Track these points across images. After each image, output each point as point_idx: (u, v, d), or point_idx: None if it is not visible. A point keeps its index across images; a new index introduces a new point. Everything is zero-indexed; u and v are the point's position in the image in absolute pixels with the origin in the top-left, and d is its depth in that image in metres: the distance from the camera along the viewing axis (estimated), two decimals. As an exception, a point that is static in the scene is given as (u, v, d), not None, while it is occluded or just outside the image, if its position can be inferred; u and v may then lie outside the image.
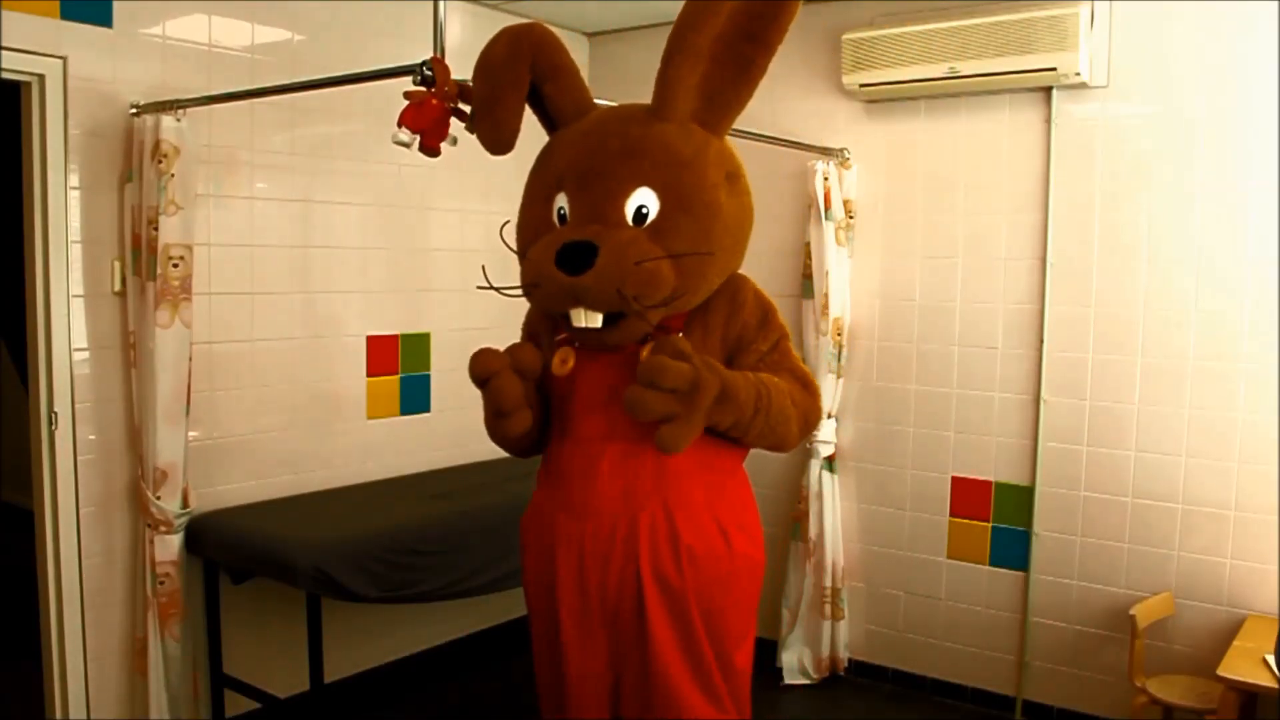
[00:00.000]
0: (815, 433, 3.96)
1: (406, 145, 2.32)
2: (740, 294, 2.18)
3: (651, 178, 2.02)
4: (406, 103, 2.33)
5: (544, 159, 2.22)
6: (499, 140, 2.13)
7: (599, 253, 1.94)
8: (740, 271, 2.24)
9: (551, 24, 4.33)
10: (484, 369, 2.10)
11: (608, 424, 2.12)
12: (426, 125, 2.30)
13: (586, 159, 2.09)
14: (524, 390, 2.14)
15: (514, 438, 2.22)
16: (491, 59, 2.11)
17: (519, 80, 2.10)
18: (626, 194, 2.02)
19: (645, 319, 2.03)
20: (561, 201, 2.10)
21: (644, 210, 2.02)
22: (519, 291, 2.11)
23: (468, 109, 2.37)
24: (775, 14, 1.96)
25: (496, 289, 2.16)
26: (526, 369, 2.13)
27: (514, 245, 2.22)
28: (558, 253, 1.98)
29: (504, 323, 4.23)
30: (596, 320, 2.01)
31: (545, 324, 2.30)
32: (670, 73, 2.04)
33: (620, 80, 4.35)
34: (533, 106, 2.24)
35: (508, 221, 2.28)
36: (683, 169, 2.03)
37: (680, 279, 2.01)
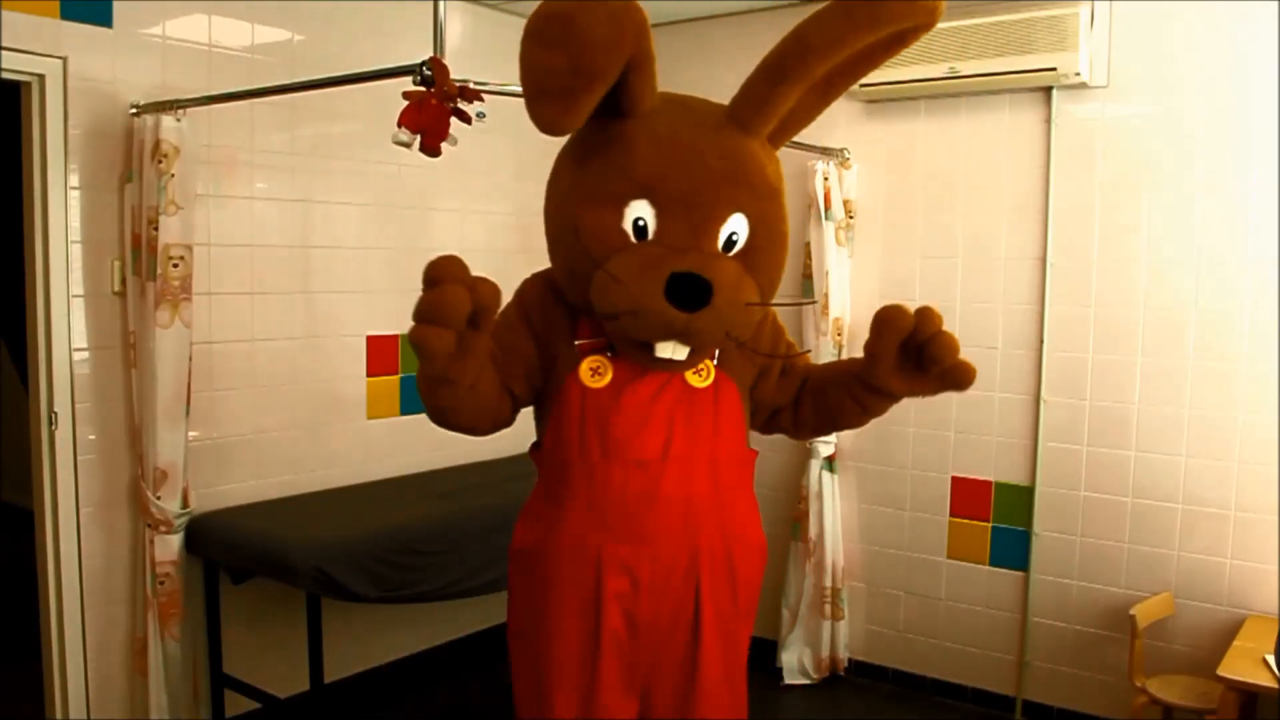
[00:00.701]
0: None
1: (407, 145, 2.32)
2: (769, 314, 2.14)
3: (748, 206, 1.91)
4: (406, 103, 2.33)
5: (616, 153, 1.90)
6: (566, 126, 1.85)
7: (716, 291, 1.79)
8: None
9: (551, 24, 4.36)
10: (443, 272, 1.74)
11: (663, 443, 1.98)
12: (426, 125, 2.30)
13: (685, 175, 1.87)
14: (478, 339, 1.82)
15: (465, 389, 1.88)
16: (589, 38, 1.73)
17: (613, 69, 1.77)
18: (724, 220, 1.89)
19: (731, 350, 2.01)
20: (642, 212, 1.87)
21: (734, 238, 1.91)
22: (614, 318, 1.88)
23: (468, 108, 2.37)
24: (883, 55, 1.89)
25: (609, 317, 1.88)
26: (487, 304, 1.75)
27: (569, 241, 1.95)
28: (668, 284, 1.78)
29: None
30: (683, 353, 1.90)
31: (561, 318, 2.03)
32: (779, 92, 1.86)
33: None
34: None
35: (554, 209, 2.01)
36: (773, 200, 1.95)
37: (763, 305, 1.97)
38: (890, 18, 1.78)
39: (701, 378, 2.02)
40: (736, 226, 1.90)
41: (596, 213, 1.89)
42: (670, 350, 1.87)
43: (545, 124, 1.83)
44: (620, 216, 1.88)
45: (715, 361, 2.05)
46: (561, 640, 2.03)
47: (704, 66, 3.69)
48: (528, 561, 2.09)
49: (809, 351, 2.05)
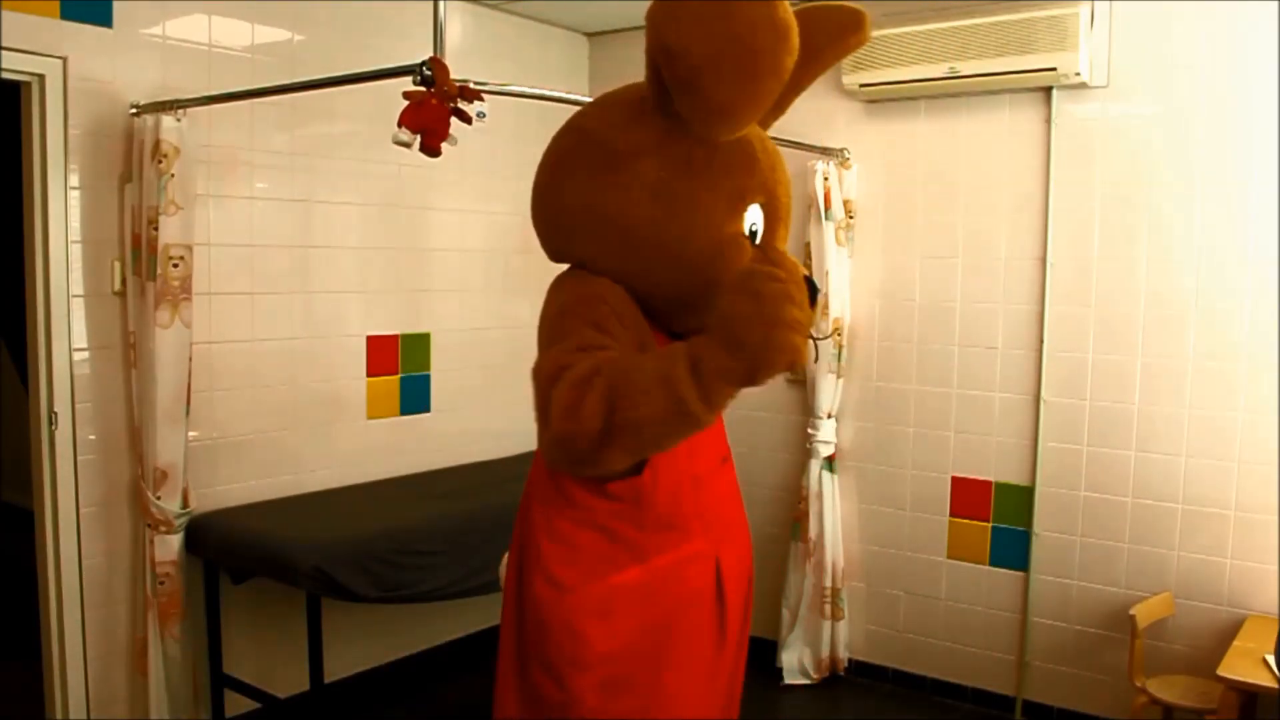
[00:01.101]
0: (814, 431, 3.97)
1: (407, 145, 2.32)
2: None
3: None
4: (406, 103, 2.33)
5: (743, 156, 1.83)
6: (778, 110, 1.99)
7: (818, 293, 1.65)
8: None
9: (552, 24, 4.37)
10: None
11: (714, 443, 1.98)
12: (426, 125, 2.30)
13: (781, 180, 1.91)
14: None
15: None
16: (789, 32, 1.61)
17: (783, 77, 1.66)
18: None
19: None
20: (757, 218, 1.84)
21: (754, 229, 1.85)
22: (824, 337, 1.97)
23: (468, 108, 2.37)
24: (847, 53, 2.01)
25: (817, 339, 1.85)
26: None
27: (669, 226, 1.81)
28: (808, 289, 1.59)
29: (503, 323, 4.27)
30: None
31: (646, 326, 1.84)
32: (787, 99, 1.98)
33: (620, 80, 4.33)
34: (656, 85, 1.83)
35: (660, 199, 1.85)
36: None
37: None
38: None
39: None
40: (755, 218, 1.88)
41: (715, 211, 1.80)
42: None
43: (746, 115, 1.71)
44: (741, 221, 1.82)
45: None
46: (685, 670, 1.89)
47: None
48: (630, 602, 1.85)
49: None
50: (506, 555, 2.00)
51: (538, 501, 1.91)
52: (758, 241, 1.84)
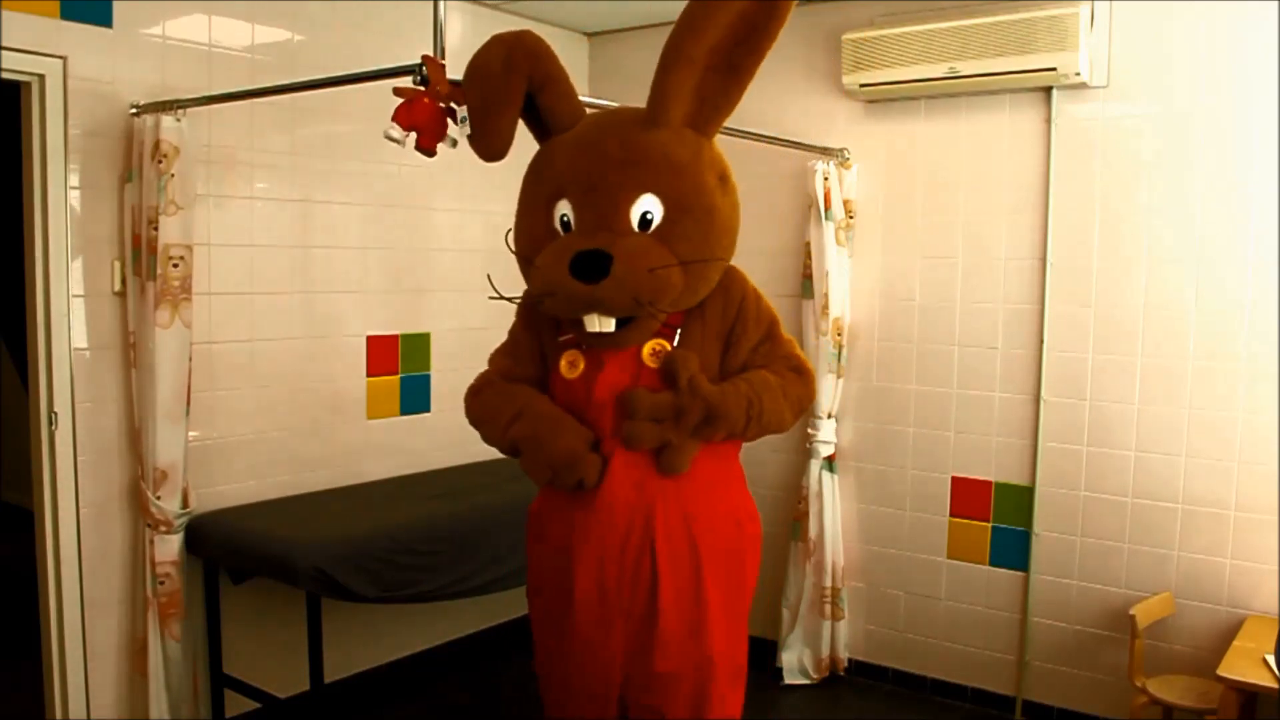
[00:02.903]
0: (814, 431, 3.97)
1: (399, 142, 2.32)
2: (732, 288, 2.24)
3: (654, 184, 2.08)
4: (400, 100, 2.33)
5: (541, 165, 2.23)
6: (494, 150, 2.18)
7: (614, 261, 1.99)
8: (731, 264, 2.29)
9: (551, 24, 4.37)
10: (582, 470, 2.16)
11: (614, 420, 2.16)
12: (418, 124, 2.30)
13: (588, 167, 2.12)
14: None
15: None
16: (486, 70, 2.13)
17: (515, 92, 2.13)
18: (631, 201, 2.07)
19: (656, 319, 2.10)
20: (564, 209, 2.13)
21: (649, 216, 2.08)
22: (530, 299, 2.16)
23: (460, 110, 2.38)
24: (768, 22, 2.01)
25: (507, 298, 2.19)
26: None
27: (515, 250, 2.25)
28: (571, 262, 2.02)
29: (504, 323, 4.26)
30: (610, 325, 2.07)
31: (548, 323, 2.31)
32: (668, 81, 2.08)
33: (620, 80, 4.35)
34: (523, 115, 2.23)
35: (510, 230, 2.30)
36: (682, 175, 2.09)
37: (689, 280, 2.09)
38: None
39: (656, 359, 2.16)
40: (648, 205, 2.08)
41: (529, 219, 2.21)
42: (596, 323, 2.06)
43: (480, 152, 2.19)
44: (550, 218, 2.15)
45: (675, 343, 2.17)
46: (545, 599, 2.33)
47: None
48: (530, 530, 2.39)
49: (673, 349, 2.20)
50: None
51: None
52: (569, 229, 2.12)
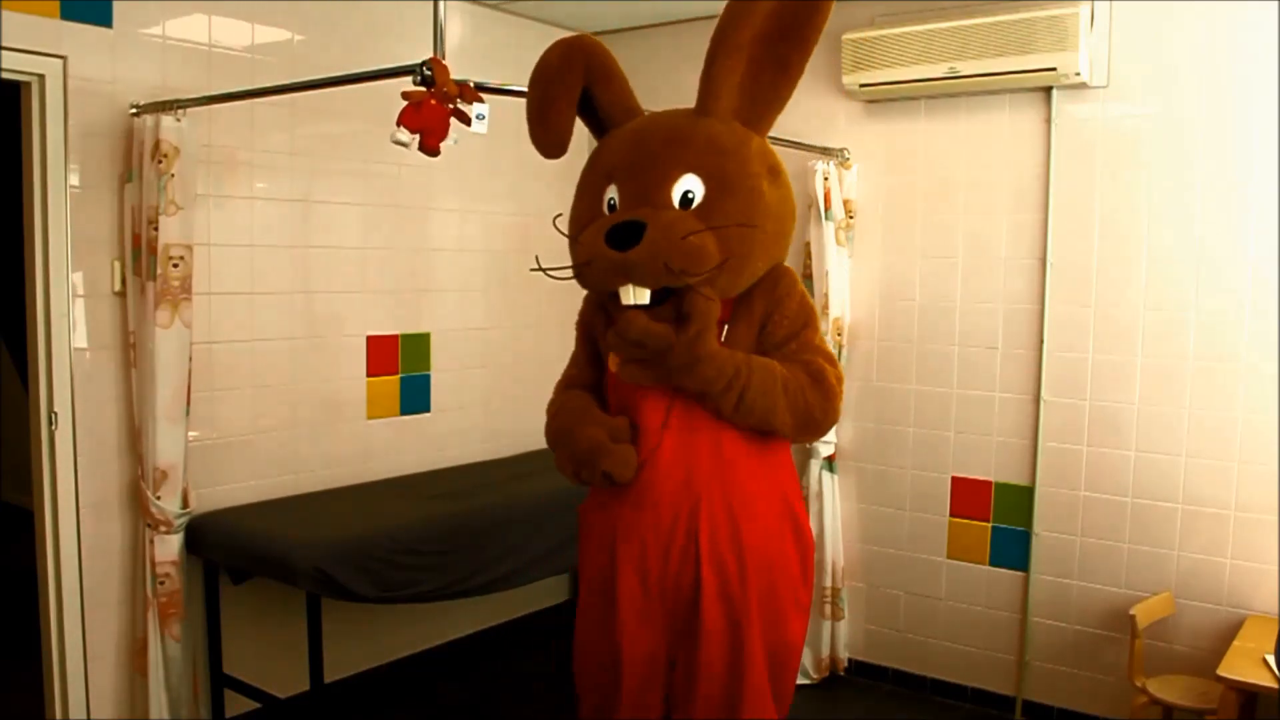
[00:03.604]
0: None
1: (406, 145, 2.33)
2: (780, 284, 2.24)
3: (696, 164, 2.09)
4: (405, 103, 2.33)
5: (596, 157, 2.29)
6: (554, 144, 2.25)
7: (646, 229, 2.02)
8: (786, 264, 2.30)
9: (552, 24, 4.36)
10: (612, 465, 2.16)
11: (664, 414, 2.18)
12: (425, 125, 2.30)
13: (634, 151, 2.17)
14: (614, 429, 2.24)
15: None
16: (546, 66, 2.23)
17: (572, 86, 2.22)
18: (673, 180, 2.09)
19: (699, 292, 2.07)
20: (611, 193, 2.18)
21: (690, 195, 2.09)
22: (569, 274, 2.17)
23: (467, 109, 2.38)
24: (810, 13, 2.04)
25: (548, 271, 2.20)
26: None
27: (566, 233, 2.27)
28: (608, 232, 2.06)
29: (504, 323, 4.27)
30: (644, 296, 2.06)
31: (600, 320, 2.31)
32: (714, 70, 2.11)
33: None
34: (581, 114, 2.30)
35: (560, 214, 2.34)
36: (726, 157, 2.10)
37: (724, 251, 2.07)
38: None
39: None
40: (690, 185, 2.09)
41: (583, 202, 2.26)
42: (631, 295, 2.07)
43: (540, 146, 2.27)
44: (600, 203, 2.20)
45: (723, 339, 2.16)
46: (591, 589, 2.34)
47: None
48: (580, 522, 2.41)
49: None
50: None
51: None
52: (614, 211, 2.16)
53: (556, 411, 2.34)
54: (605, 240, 2.04)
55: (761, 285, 2.21)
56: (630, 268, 2.03)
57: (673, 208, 2.08)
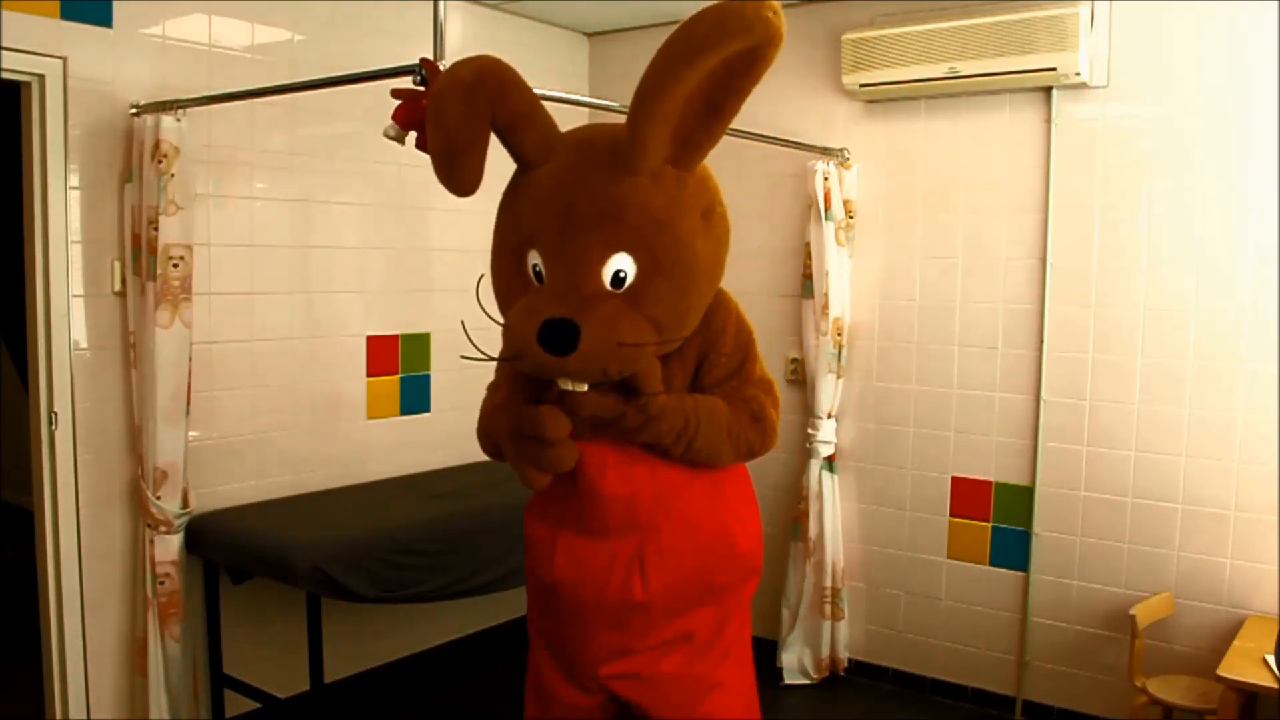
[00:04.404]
0: (814, 431, 3.96)
1: (398, 140, 2.32)
2: (714, 319, 2.16)
3: (628, 243, 1.95)
4: (398, 101, 2.33)
5: (512, 205, 2.10)
6: (463, 189, 2.05)
7: (581, 335, 1.90)
8: (721, 287, 2.20)
9: (551, 24, 4.37)
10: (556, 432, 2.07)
11: (608, 438, 2.13)
12: (417, 123, 2.30)
13: (559, 222, 1.98)
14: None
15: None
16: (446, 117, 1.97)
17: (479, 136, 1.99)
18: (603, 261, 1.95)
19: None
20: (535, 259, 2.02)
21: (621, 275, 1.96)
22: (503, 358, 2.10)
23: None
24: (752, 65, 1.84)
25: (481, 358, 2.11)
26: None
27: (485, 303, 2.16)
28: (539, 331, 1.92)
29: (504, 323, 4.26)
30: (583, 386, 2.01)
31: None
32: (641, 132, 1.91)
33: (620, 80, 4.34)
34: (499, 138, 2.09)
35: (483, 275, 2.18)
36: (659, 230, 1.96)
37: (662, 335, 2.00)
38: (727, 38, 1.77)
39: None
40: (621, 264, 1.96)
41: (501, 263, 2.10)
42: (569, 384, 2.00)
43: (449, 188, 2.06)
44: (522, 264, 2.05)
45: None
46: (533, 596, 2.33)
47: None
48: (525, 530, 2.36)
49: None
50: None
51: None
52: (541, 280, 2.02)
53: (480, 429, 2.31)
54: (538, 339, 1.92)
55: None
56: (566, 372, 1.96)
57: (604, 291, 1.96)
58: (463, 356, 2.17)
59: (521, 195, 2.07)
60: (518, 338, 1.96)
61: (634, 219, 1.95)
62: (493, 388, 2.37)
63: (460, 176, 2.02)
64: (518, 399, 2.19)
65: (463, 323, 2.15)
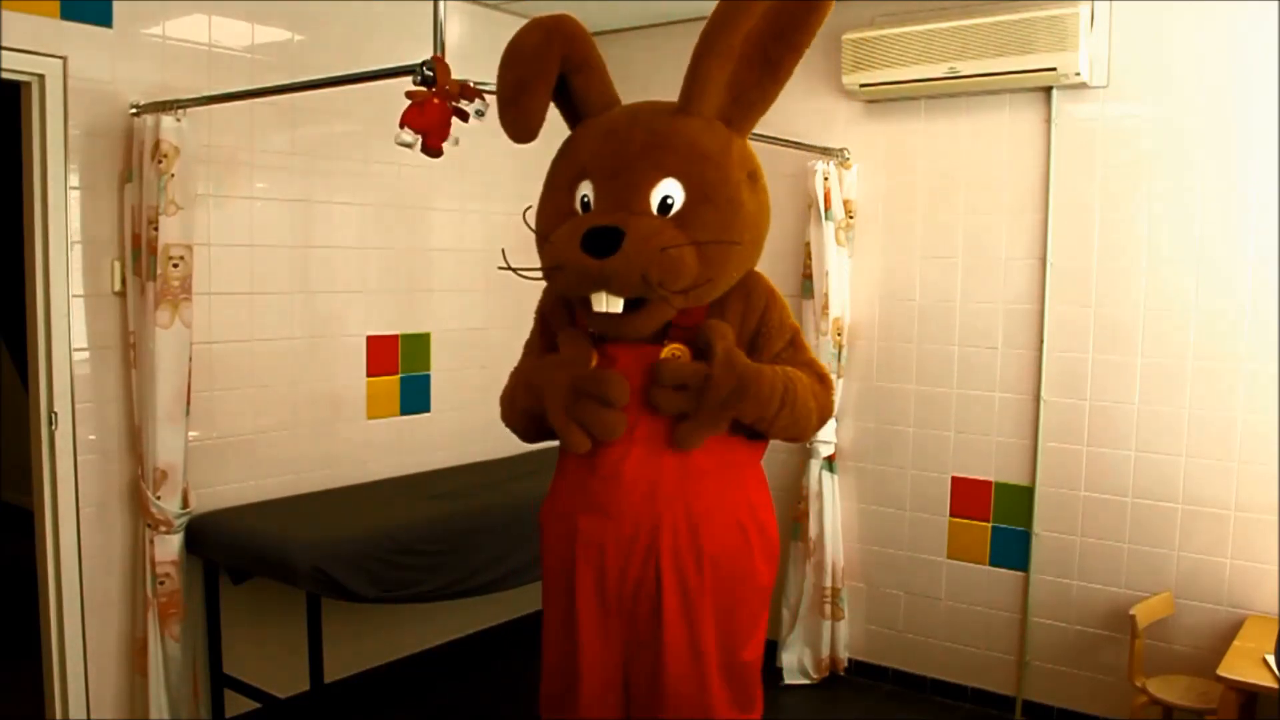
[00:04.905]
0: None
1: (410, 146, 2.32)
2: (755, 291, 2.20)
3: (677, 169, 2.02)
4: (408, 103, 2.33)
5: (568, 149, 2.21)
6: (525, 128, 2.13)
7: (625, 237, 1.95)
8: (755, 269, 2.26)
9: (551, 24, 4.36)
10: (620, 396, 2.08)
11: (630, 424, 2.11)
12: (429, 125, 2.30)
13: (613, 150, 2.08)
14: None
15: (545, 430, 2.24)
16: (523, 47, 2.12)
17: (549, 70, 2.11)
18: (652, 184, 2.02)
19: (669, 304, 2.04)
20: (586, 190, 2.10)
21: (669, 200, 2.03)
22: (539, 274, 2.12)
23: (468, 108, 2.37)
24: (805, 16, 1.98)
25: (516, 270, 2.15)
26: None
27: (534, 228, 2.21)
28: (583, 237, 1.98)
29: (503, 323, 4.27)
30: (618, 305, 2.01)
31: (562, 316, 2.27)
32: (701, 69, 2.04)
33: (620, 80, 4.31)
34: (556, 99, 2.20)
35: (530, 206, 2.24)
36: (707, 163, 2.04)
37: (703, 267, 2.03)
38: None
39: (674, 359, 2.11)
40: (669, 190, 2.03)
41: (551, 198, 2.18)
42: (604, 303, 2.01)
43: (511, 131, 2.14)
44: (572, 199, 2.12)
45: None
46: (550, 594, 2.30)
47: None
48: (540, 526, 2.34)
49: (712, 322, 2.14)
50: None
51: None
52: (589, 210, 2.09)
53: (519, 384, 2.27)
54: (581, 245, 1.97)
55: (735, 292, 2.17)
56: (607, 277, 1.96)
57: (651, 213, 2.02)
58: (500, 268, 2.22)
59: (580, 137, 2.19)
60: (560, 249, 2.02)
61: (684, 149, 2.03)
62: (527, 348, 2.40)
63: (525, 114, 2.10)
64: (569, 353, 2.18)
65: (503, 250, 2.23)
